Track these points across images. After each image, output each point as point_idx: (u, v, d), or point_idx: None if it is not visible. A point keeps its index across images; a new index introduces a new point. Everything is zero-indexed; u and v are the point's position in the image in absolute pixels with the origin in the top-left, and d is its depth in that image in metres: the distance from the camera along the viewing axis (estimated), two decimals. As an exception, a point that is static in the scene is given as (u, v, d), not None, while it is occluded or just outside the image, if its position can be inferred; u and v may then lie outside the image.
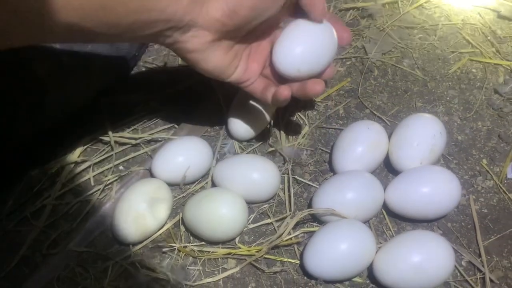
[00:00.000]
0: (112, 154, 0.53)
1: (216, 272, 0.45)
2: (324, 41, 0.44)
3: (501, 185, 0.50)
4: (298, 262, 0.45)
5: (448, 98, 0.57)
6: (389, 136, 0.51)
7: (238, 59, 0.44)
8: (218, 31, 0.39)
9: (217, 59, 0.42)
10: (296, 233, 0.46)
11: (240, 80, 0.45)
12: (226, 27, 0.39)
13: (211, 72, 0.43)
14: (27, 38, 0.33)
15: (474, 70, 0.59)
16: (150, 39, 0.38)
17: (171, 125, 0.56)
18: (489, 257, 0.45)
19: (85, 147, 0.53)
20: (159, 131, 0.55)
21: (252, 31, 0.43)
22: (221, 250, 0.46)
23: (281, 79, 0.46)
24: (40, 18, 0.31)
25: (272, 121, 0.54)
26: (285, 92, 0.43)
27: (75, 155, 0.52)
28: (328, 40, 0.45)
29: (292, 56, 0.44)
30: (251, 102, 0.53)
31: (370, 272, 0.44)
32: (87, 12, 0.32)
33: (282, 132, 0.54)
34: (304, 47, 0.44)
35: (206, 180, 0.51)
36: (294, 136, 0.54)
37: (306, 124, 0.55)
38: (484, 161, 0.52)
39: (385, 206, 0.47)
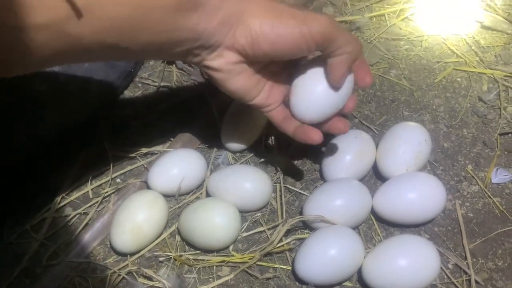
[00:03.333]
0: (109, 167, 0.55)
1: (211, 279, 0.47)
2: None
3: (486, 190, 0.51)
4: (290, 268, 0.47)
5: (434, 107, 0.59)
6: (377, 145, 0.53)
7: (262, 84, 0.44)
8: (242, 55, 0.40)
9: (241, 81, 0.42)
10: (288, 240, 0.48)
11: (262, 105, 0.45)
12: (247, 54, 0.40)
13: (234, 93, 0.43)
14: (62, 59, 0.34)
15: (459, 79, 0.62)
16: (179, 56, 0.39)
17: (167, 138, 0.57)
18: (474, 260, 0.47)
19: (83, 161, 0.55)
20: (155, 144, 0.57)
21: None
22: (215, 258, 0.47)
23: None
24: (78, 41, 0.31)
25: (264, 133, 0.55)
26: (316, 136, 0.43)
27: (74, 169, 0.54)
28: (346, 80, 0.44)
29: (311, 106, 0.44)
30: (243, 114, 0.55)
31: (359, 276, 0.45)
32: (126, 33, 0.33)
33: (273, 142, 0.56)
34: (322, 94, 0.43)
35: (200, 191, 0.53)
36: (285, 146, 0.56)
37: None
38: (470, 166, 0.53)
39: (373, 212, 0.49)
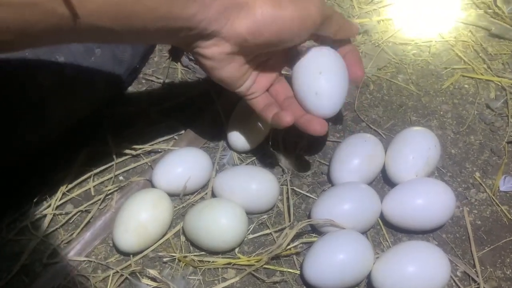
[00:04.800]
0: (112, 165, 0.53)
1: (216, 281, 0.46)
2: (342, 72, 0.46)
3: (493, 198, 0.51)
4: (297, 272, 0.46)
5: (441, 113, 0.59)
6: (385, 149, 0.52)
7: (249, 73, 0.45)
8: (238, 45, 0.39)
9: (231, 71, 0.42)
10: (295, 244, 0.47)
11: (246, 93, 0.46)
12: (247, 44, 0.39)
13: (223, 81, 0.43)
14: (51, 40, 0.33)
15: (466, 86, 0.61)
16: (174, 43, 0.39)
17: (171, 136, 0.56)
18: (483, 268, 0.46)
19: (85, 157, 0.54)
20: (159, 142, 0.56)
21: None
22: (221, 260, 0.46)
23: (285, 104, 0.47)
24: (69, 22, 0.30)
25: (270, 133, 0.55)
26: (287, 118, 0.43)
27: (76, 165, 0.53)
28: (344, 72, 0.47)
29: (326, 100, 0.45)
30: (250, 114, 0.54)
31: (368, 282, 0.45)
32: (119, 18, 0.32)
33: (280, 143, 0.55)
34: (329, 85, 0.45)
35: (206, 191, 0.52)
36: (292, 148, 0.55)
37: (304, 136, 0.56)
38: (477, 174, 0.53)
39: (382, 217, 0.48)
